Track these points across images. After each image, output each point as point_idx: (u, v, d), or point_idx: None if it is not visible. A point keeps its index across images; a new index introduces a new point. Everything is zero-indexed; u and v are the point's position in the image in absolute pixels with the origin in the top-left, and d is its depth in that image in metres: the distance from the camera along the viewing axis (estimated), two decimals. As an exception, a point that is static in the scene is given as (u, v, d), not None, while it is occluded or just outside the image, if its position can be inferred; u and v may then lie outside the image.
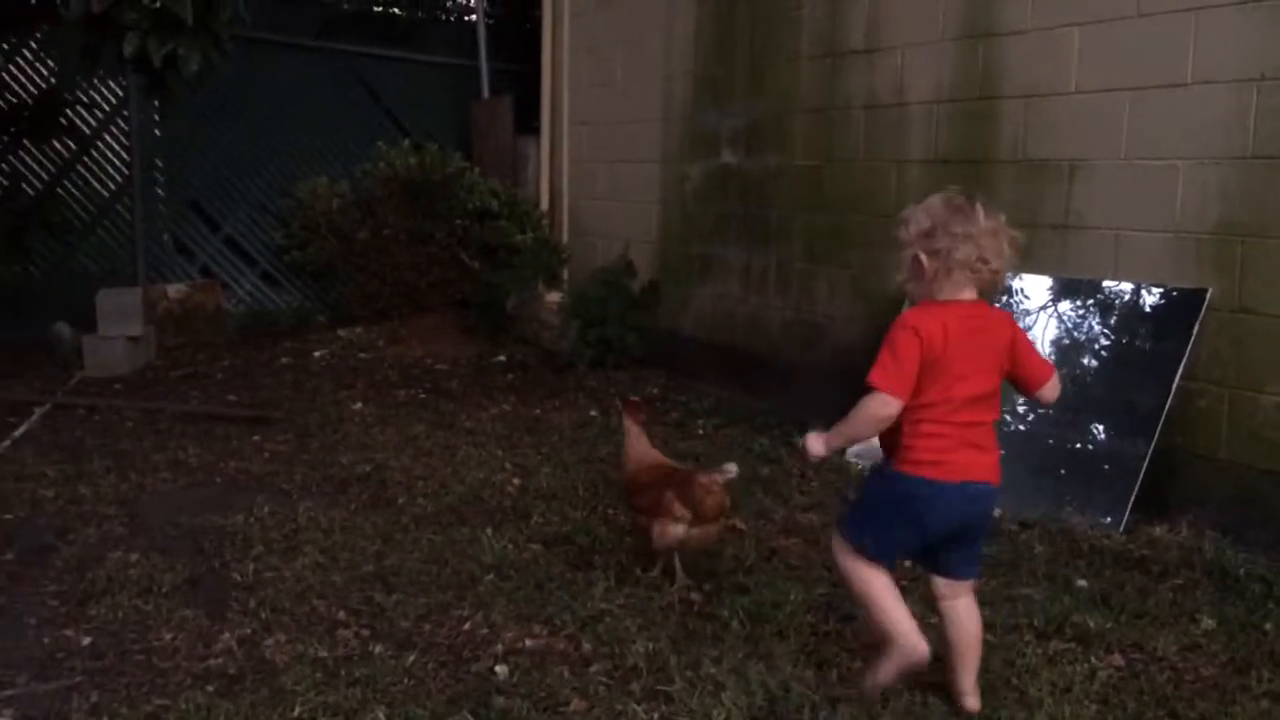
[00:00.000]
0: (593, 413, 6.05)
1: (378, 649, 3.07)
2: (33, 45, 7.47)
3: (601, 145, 8.03)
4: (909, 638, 2.63)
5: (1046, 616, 3.25)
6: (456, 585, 3.53)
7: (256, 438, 5.40)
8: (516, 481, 4.71)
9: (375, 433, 5.50)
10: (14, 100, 7.10)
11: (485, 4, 9.84)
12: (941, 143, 5.24)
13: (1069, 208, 4.69)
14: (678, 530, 3.40)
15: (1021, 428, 4.63)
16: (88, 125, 7.77)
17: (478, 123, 9.25)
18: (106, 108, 7.96)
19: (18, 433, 5.34)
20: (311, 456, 5.08)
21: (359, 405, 6.15)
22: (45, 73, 7.71)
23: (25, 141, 7.43)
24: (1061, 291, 4.77)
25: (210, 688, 2.85)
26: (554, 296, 7.88)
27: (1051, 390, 2.68)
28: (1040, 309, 4.82)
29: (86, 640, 3.15)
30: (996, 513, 4.24)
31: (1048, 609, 3.30)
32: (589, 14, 8.09)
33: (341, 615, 3.32)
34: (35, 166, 7.71)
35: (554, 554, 3.82)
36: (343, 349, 7.65)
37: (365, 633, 3.20)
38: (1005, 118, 4.95)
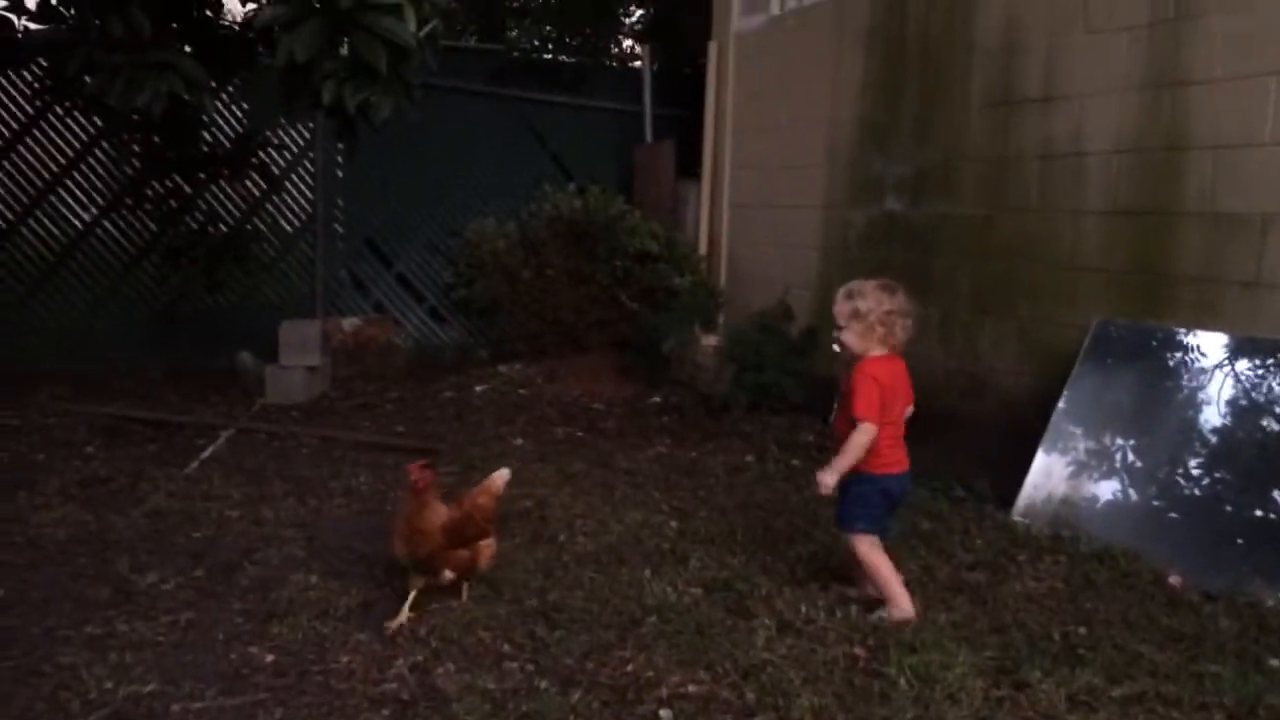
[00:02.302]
0: (748, 458, 6.03)
1: (543, 684, 3.13)
2: (229, 89, 7.98)
3: (762, 190, 8.06)
4: (907, 602, 3.63)
5: (1237, 697, 3.07)
6: (618, 625, 3.57)
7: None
8: (674, 524, 4.73)
9: (535, 469, 5.62)
10: (210, 141, 7.58)
11: (650, 50, 10.06)
12: (1122, 193, 5.08)
13: (1260, 264, 4.47)
14: (493, 541, 3.79)
15: (1197, 492, 4.41)
16: (277, 166, 8.24)
17: (640, 166, 9.42)
18: (295, 150, 8.44)
19: (205, 454, 5.66)
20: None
21: (519, 441, 6.30)
22: (240, 115, 8.23)
23: (220, 180, 7.91)
24: (1239, 350, 4.55)
25: (385, 711, 2.97)
26: (710, 340, 7.92)
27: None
28: (1216, 367, 4.60)
29: (269, 658, 3.31)
30: (1176, 581, 4.07)
31: (1238, 688, 3.12)
32: (753, 60, 8.17)
33: (507, 648, 3.40)
34: (229, 204, 8.22)
35: (714, 599, 3.82)
36: (503, 385, 7.85)
37: (530, 667, 3.27)
38: (1192, 169, 4.76)
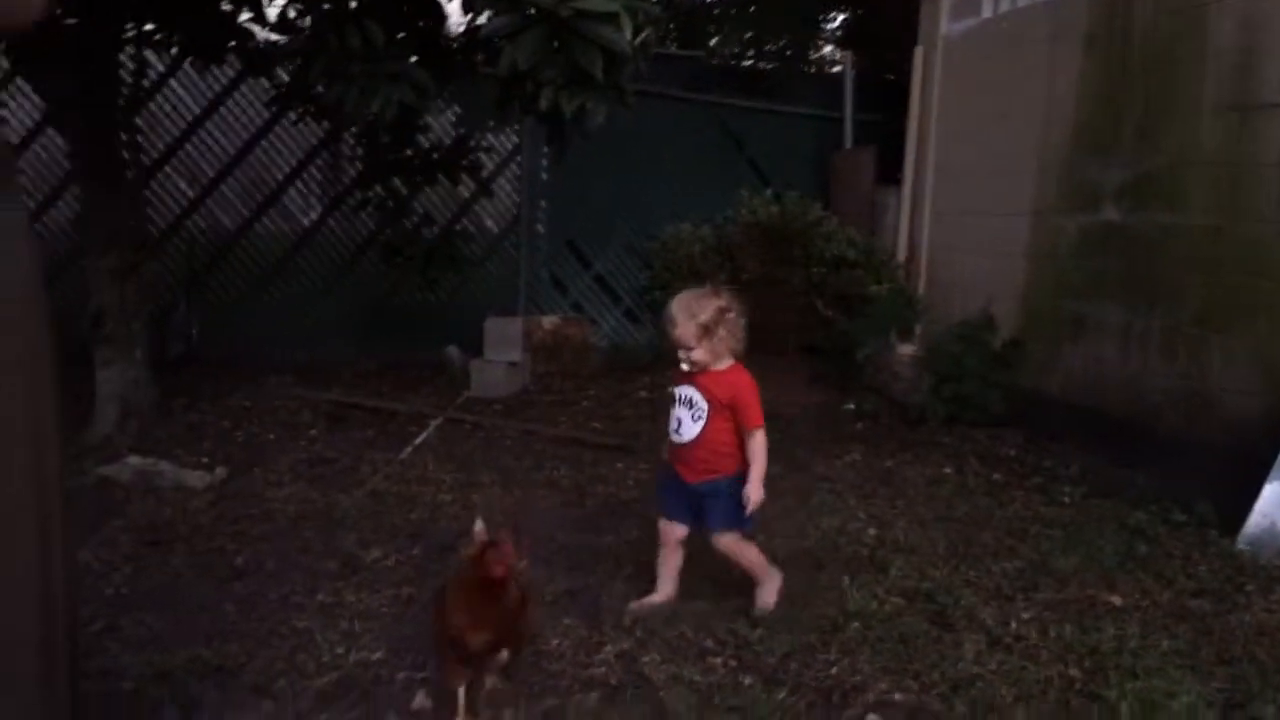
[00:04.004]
0: (947, 470, 5.89)
1: (747, 680, 3.16)
2: (443, 96, 8.35)
3: (966, 196, 7.86)
4: (775, 570, 3.75)
5: None
6: (819, 629, 3.55)
7: (620, 465, 5.71)
8: (872, 532, 4.67)
9: (730, 470, 5.65)
10: (425, 145, 7.95)
11: (851, 56, 9.96)
12: (1374, 204, 4.71)
13: None
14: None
15: None
16: (486, 169, 8.58)
17: (838, 172, 9.34)
18: (502, 153, 8.77)
19: (418, 440, 5.96)
20: (671, 487, 5.30)
21: (713, 442, 6.34)
22: (452, 120, 8.60)
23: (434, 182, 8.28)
24: None
25: (595, 694, 3.05)
26: (907, 348, 7.77)
27: None
28: None
29: (486, 635, 3.46)
30: None
31: None
32: (960, 64, 7.98)
33: (709, 644, 3.43)
34: (440, 205, 8.62)
35: (916, 610, 3.75)
36: (696, 387, 7.90)
37: (733, 663, 3.29)
38: None
